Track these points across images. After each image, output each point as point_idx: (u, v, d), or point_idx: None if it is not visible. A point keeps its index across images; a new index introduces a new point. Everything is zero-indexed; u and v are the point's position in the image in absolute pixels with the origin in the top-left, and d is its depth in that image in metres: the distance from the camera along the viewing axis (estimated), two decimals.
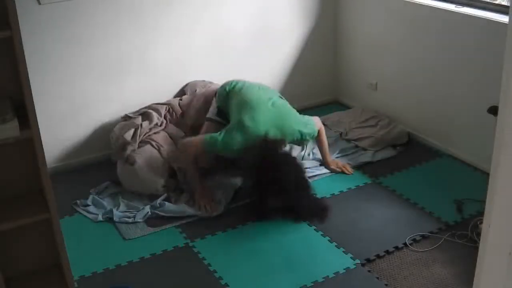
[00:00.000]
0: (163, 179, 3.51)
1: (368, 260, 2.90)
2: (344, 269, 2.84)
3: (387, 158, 3.86)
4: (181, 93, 4.15)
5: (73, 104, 3.82)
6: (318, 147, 3.78)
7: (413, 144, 4.06)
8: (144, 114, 3.86)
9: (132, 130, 3.68)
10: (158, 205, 3.38)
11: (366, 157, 3.85)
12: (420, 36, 3.89)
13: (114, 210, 3.35)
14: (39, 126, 1.97)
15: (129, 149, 3.57)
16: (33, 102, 1.93)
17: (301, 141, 3.61)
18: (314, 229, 3.16)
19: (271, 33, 4.39)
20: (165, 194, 3.47)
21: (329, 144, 3.83)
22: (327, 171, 3.73)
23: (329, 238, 3.08)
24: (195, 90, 4.02)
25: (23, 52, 1.86)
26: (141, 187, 3.50)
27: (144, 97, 4.04)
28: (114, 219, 3.30)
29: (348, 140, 4.04)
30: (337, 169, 3.72)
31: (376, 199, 3.42)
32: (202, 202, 3.36)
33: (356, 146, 3.96)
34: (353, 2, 4.43)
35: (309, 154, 3.89)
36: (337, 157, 3.86)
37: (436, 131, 3.97)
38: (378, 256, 2.92)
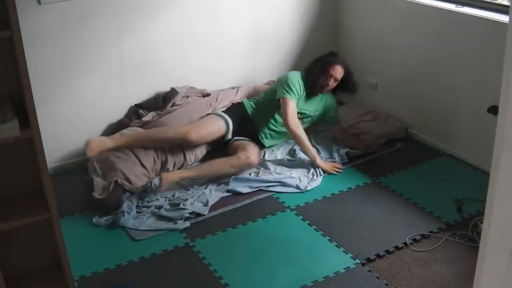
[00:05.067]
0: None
1: (368, 260, 2.90)
2: (344, 268, 2.84)
3: (386, 157, 3.87)
4: (162, 99, 4.06)
5: (73, 103, 3.82)
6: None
7: (413, 143, 4.06)
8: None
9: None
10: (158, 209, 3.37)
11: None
12: (421, 35, 3.89)
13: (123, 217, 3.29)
14: (39, 126, 1.97)
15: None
16: (33, 102, 1.92)
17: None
18: (314, 229, 3.17)
19: (271, 33, 4.39)
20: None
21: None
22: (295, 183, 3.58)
23: (329, 238, 3.08)
24: (188, 96, 4.09)
25: (23, 52, 1.86)
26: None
27: (145, 97, 4.04)
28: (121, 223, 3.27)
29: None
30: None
31: (376, 199, 3.42)
32: (328, 168, 3.70)
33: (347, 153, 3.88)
34: (353, 2, 4.43)
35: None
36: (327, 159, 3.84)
37: (436, 130, 3.96)
38: (378, 256, 2.92)
